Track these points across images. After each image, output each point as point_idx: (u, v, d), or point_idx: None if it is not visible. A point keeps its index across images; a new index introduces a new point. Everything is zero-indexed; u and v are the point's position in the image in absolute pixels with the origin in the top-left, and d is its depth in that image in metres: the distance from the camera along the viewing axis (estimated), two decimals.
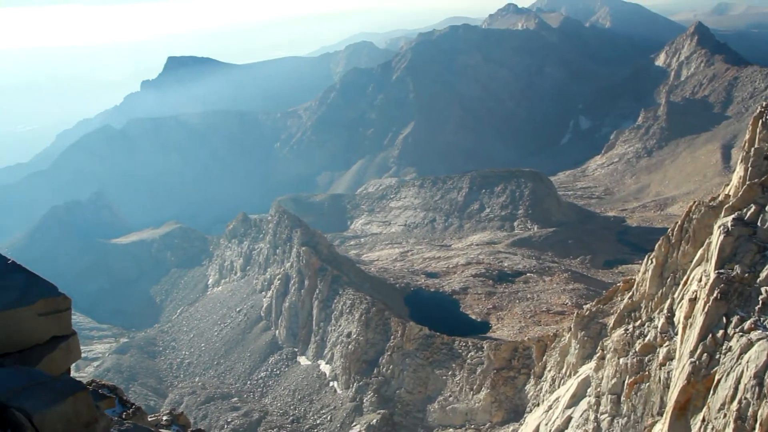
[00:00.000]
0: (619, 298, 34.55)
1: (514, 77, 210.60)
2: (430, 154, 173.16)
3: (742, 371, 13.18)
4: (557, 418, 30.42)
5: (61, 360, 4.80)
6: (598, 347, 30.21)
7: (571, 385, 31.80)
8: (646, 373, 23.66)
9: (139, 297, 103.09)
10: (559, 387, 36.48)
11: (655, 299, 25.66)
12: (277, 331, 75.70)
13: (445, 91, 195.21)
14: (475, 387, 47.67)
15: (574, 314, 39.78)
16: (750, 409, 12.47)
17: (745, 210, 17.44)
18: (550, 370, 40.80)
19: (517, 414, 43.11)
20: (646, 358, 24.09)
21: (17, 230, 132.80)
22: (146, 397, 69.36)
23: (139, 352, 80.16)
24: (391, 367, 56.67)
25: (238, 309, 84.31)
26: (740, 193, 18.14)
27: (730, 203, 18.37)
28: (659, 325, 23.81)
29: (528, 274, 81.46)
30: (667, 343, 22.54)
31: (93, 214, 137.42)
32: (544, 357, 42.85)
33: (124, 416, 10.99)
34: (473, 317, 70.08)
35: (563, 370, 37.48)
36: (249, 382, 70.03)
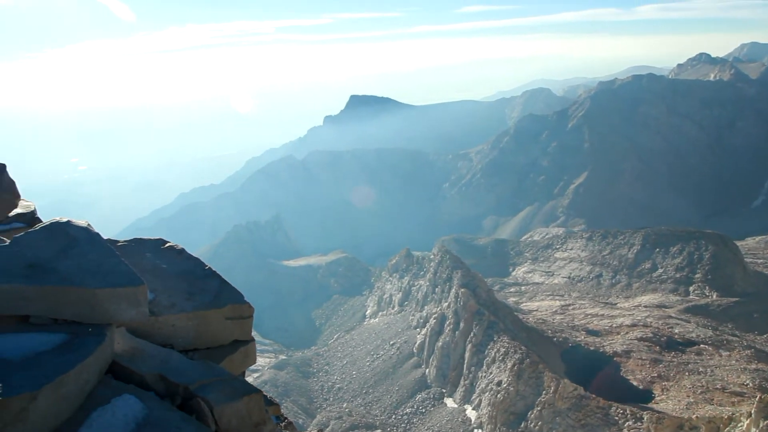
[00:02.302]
0: None
1: (701, 131, 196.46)
2: (602, 206, 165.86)
3: None
4: None
5: (240, 362, 5.26)
6: None
7: None
8: None
9: (301, 318, 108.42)
10: None
11: None
12: (427, 370, 75.69)
13: (622, 142, 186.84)
14: None
15: (757, 398, 35.65)
16: None
17: None
18: None
19: None
20: None
21: (205, 243, 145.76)
22: (296, 414, 72.20)
23: (295, 370, 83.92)
24: (539, 423, 54.25)
25: (391, 342, 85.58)
26: None
27: None
28: None
29: (702, 345, 74.46)
30: None
31: (269, 235, 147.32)
32: None
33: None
34: (635, 384, 65.19)
35: None
36: (394, 416, 70.44)
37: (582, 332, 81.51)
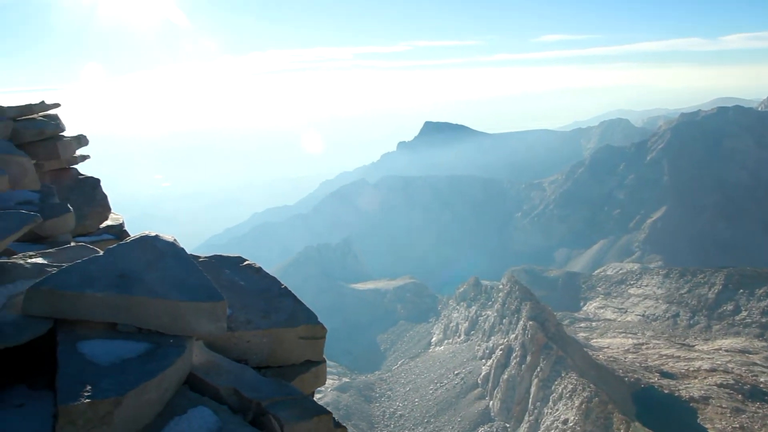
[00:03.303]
0: None
1: None
2: (681, 242, 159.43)
3: None
4: None
5: (310, 383, 5.33)
6: None
7: None
8: None
9: (366, 342, 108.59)
10: None
11: None
12: (491, 402, 74.16)
13: (704, 176, 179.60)
14: None
15: None
16: None
17: None
18: None
19: None
20: None
21: (275, 263, 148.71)
22: None
23: (357, 393, 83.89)
24: None
25: (456, 372, 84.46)
26: None
27: None
28: None
29: None
30: None
31: (339, 258, 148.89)
32: None
33: None
34: None
35: None
36: None
37: (656, 374, 78.11)
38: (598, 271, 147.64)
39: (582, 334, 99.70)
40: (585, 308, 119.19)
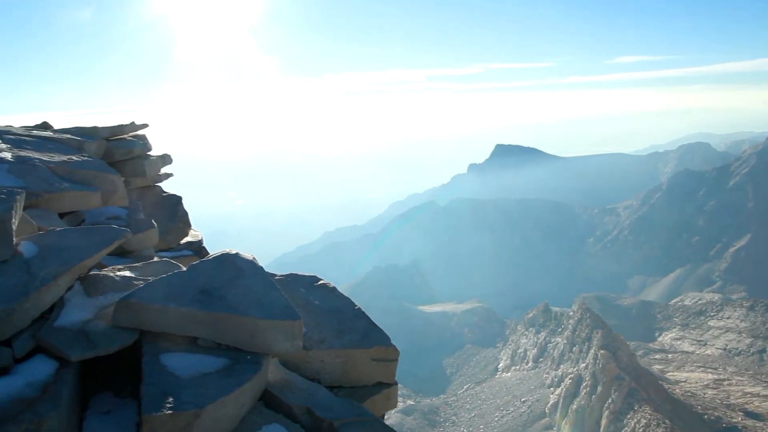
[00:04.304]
0: None
1: None
2: (766, 273, 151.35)
3: None
4: None
5: (381, 405, 5.34)
6: None
7: None
8: None
9: (431, 364, 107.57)
10: None
11: None
12: None
13: None
14: None
15: None
16: None
17: None
18: None
19: None
20: None
21: (344, 282, 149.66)
22: None
23: (421, 417, 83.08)
24: None
25: (523, 399, 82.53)
26: None
27: None
28: None
29: None
30: None
31: (407, 279, 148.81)
32: None
33: None
34: None
35: None
36: None
37: (739, 413, 74.01)
38: (674, 300, 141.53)
39: (657, 366, 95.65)
40: (660, 339, 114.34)
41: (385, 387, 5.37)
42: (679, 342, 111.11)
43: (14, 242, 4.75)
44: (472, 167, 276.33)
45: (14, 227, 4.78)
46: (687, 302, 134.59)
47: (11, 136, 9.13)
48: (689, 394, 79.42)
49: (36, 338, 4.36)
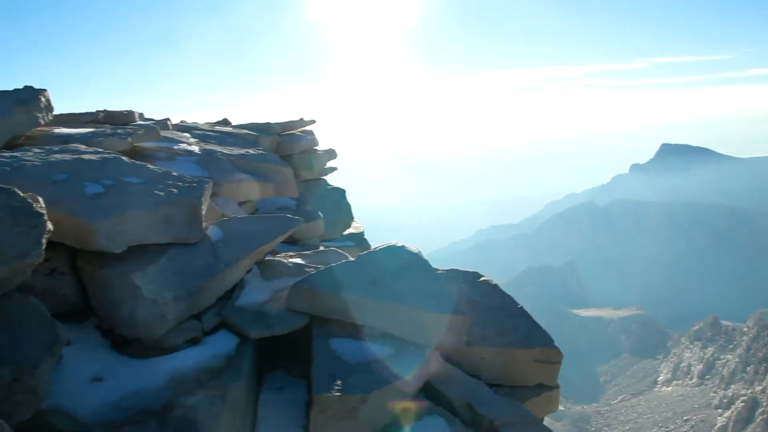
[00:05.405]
0: None
1: None
2: None
3: None
4: None
5: (542, 408, 5.21)
6: None
7: None
8: None
9: (584, 371, 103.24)
10: None
11: None
12: None
13: None
14: None
15: None
16: None
17: None
18: None
19: None
20: None
21: (497, 280, 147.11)
22: None
23: (571, 424, 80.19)
24: None
25: (684, 418, 76.83)
26: None
27: None
28: None
29: None
30: None
31: (561, 281, 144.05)
32: None
33: None
34: None
35: None
36: None
37: None
38: None
39: None
40: None
41: (546, 390, 5.24)
42: None
43: (203, 226, 5.20)
44: (634, 167, 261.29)
45: (203, 213, 5.22)
46: None
47: (198, 132, 10.03)
48: None
49: (220, 315, 4.74)
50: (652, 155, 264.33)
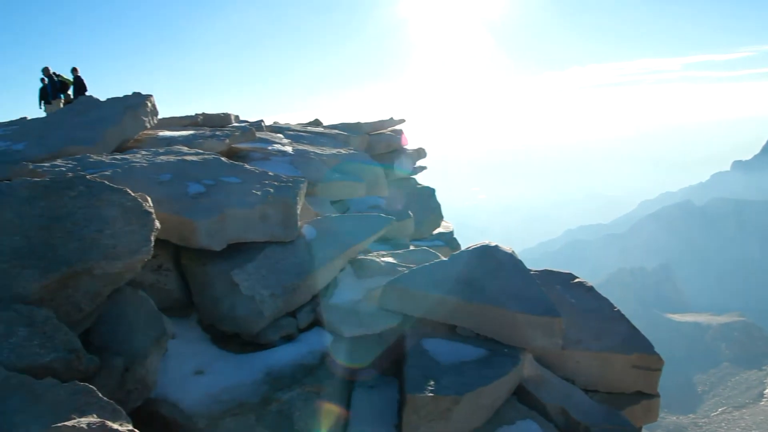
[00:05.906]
0: None
1: None
2: None
3: None
4: None
5: (640, 416, 5.02)
6: None
7: None
8: None
9: (679, 379, 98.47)
10: None
11: None
12: None
13: None
14: None
15: None
16: None
17: None
18: None
19: None
20: None
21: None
22: None
23: None
24: None
25: None
26: None
27: None
28: None
29: None
30: None
31: (655, 284, 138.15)
32: None
33: None
34: None
35: None
36: None
37: None
38: None
39: None
40: None
41: (645, 398, 5.05)
42: None
43: (298, 225, 5.32)
44: (737, 164, 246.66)
45: (298, 212, 5.35)
46: None
47: (291, 132, 10.29)
48: None
49: (315, 312, 4.85)
50: (756, 151, 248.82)
